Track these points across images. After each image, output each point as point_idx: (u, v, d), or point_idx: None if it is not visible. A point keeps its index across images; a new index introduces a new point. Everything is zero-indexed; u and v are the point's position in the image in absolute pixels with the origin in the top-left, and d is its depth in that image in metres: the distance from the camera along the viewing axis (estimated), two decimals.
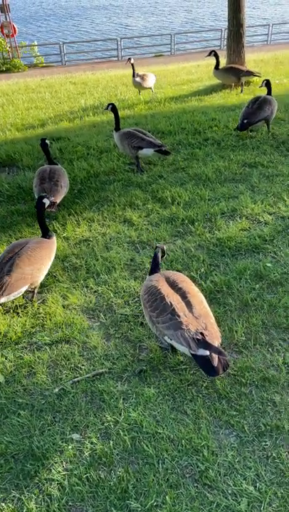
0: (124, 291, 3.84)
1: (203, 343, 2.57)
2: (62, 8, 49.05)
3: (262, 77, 9.47)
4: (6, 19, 21.42)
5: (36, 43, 24.20)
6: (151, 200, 5.34)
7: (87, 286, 3.95)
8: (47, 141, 5.43)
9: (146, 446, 2.56)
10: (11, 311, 3.69)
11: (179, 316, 2.72)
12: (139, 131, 5.96)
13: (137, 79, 9.61)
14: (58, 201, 4.94)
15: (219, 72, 9.54)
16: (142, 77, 9.68)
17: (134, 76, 9.67)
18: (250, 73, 9.48)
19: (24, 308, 3.72)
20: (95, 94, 11.11)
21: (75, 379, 3.01)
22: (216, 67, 9.51)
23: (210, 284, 3.80)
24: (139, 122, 7.99)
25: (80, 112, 9.43)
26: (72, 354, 3.21)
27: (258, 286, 3.76)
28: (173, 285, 3.01)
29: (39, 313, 3.64)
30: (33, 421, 2.74)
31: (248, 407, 2.76)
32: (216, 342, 2.63)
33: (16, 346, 3.32)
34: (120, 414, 2.75)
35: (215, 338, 2.66)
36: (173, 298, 2.89)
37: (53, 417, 2.77)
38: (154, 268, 3.34)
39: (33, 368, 3.13)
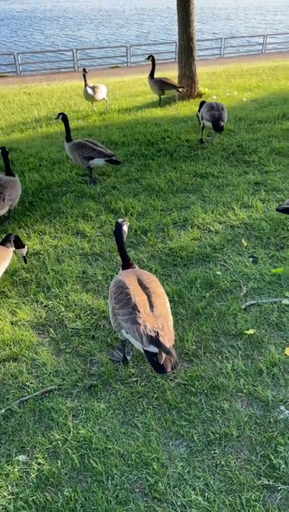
0: (75, 305, 3.79)
1: (156, 341, 2.60)
2: (14, 18, 48.57)
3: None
4: None
5: None
6: (105, 211, 5.33)
7: (37, 301, 3.86)
8: (7, 149, 5.33)
9: (96, 463, 2.51)
10: None
11: (138, 312, 2.75)
12: (90, 141, 5.97)
13: (89, 91, 9.52)
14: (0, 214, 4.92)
15: (151, 81, 9.94)
16: (94, 88, 9.59)
17: (86, 86, 9.53)
18: (173, 87, 9.81)
19: None
20: (49, 105, 11.03)
21: (23, 398, 2.92)
22: (151, 75, 9.87)
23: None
24: (93, 133, 8.00)
25: (33, 123, 9.32)
26: (19, 372, 3.12)
27: (208, 294, 3.82)
28: (141, 283, 3.03)
29: None
30: None
31: (197, 416, 2.77)
32: (168, 343, 2.64)
33: None
34: (69, 432, 2.69)
35: (168, 339, 2.67)
36: (138, 294, 2.90)
37: None
38: (127, 262, 3.30)
39: None
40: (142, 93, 12.16)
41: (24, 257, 4.21)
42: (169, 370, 2.55)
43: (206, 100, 7.71)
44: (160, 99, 10.32)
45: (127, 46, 24.44)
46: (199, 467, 2.50)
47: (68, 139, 5.99)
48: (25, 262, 4.26)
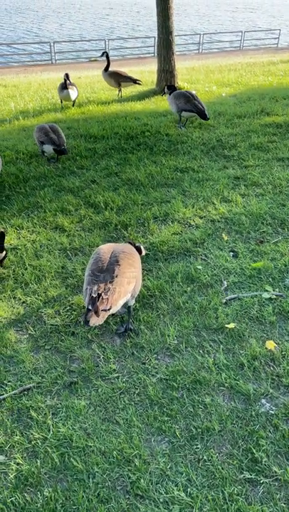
0: (54, 301, 3.71)
1: (94, 301, 2.91)
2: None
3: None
4: None
5: None
6: (84, 205, 5.25)
7: (14, 297, 3.76)
8: None
9: (76, 461, 2.46)
10: None
11: (95, 276, 3.08)
12: (53, 128, 6.28)
13: (72, 95, 8.94)
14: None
15: (105, 74, 9.85)
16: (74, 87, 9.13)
17: (68, 89, 8.83)
18: (130, 79, 9.82)
19: None
20: (26, 98, 10.79)
21: (0, 397, 2.83)
22: (105, 69, 9.81)
23: (143, 289, 3.78)
24: (72, 126, 7.87)
25: (9, 115, 9.09)
26: None
27: (189, 289, 3.80)
28: (114, 254, 3.27)
29: None
30: None
31: (179, 411, 2.75)
32: (104, 306, 2.90)
33: None
34: (49, 431, 2.63)
35: (108, 302, 2.93)
36: (103, 261, 3.19)
37: None
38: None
39: None
40: (131, 85, 12.02)
41: (1, 261, 4.05)
42: (91, 325, 2.85)
43: (175, 86, 7.85)
44: (120, 91, 10.38)
45: (105, 40, 24.18)
46: (182, 463, 2.48)
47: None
48: (1, 266, 4.10)
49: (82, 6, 51.00)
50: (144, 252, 3.95)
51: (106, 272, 3.09)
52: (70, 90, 8.88)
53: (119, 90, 10.41)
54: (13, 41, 29.57)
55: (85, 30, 34.82)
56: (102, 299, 2.91)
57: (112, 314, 3.37)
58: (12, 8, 47.93)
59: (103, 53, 10.04)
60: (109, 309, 2.92)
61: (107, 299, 2.93)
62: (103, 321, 2.90)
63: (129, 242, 3.75)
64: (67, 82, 8.77)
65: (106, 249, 3.37)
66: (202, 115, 7.25)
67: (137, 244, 3.81)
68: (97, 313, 2.86)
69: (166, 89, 7.97)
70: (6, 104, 10.06)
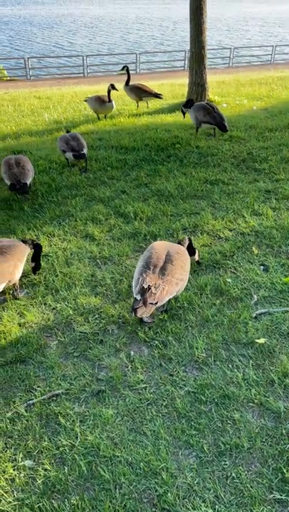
0: (83, 308, 3.74)
1: (143, 292, 3.13)
2: (25, 23, 49.17)
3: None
4: None
5: (0, 57, 24.00)
6: (114, 215, 5.30)
7: (45, 303, 3.82)
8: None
9: (103, 470, 2.45)
10: None
11: (148, 269, 3.32)
12: (73, 136, 6.55)
13: (114, 105, 9.20)
14: (28, 182, 5.53)
15: (126, 88, 10.03)
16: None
17: (110, 101, 9.11)
18: (151, 94, 9.92)
19: None
20: (59, 109, 11.05)
21: (30, 401, 2.87)
22: (126, 83, 10.00)
23: (172, 300, 3.78)
24: (103, 137, 8.00)
25: (43, 126, 9.34)
26: (27, 375, 3.07)
27: (218, 301, 3.77)
28: (168, 253, 3.51)
29: None
30: None
31: (207, 426, 2.71)
32: (151, 300, 3.13)
33: None
34: (76, 438, 2.63)
35: (155, 297, 3.15)
36: (158, 258, 3.44)
37: (5, 444, 2.62)
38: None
39: None
40: (152, 99, 12.17)
41: (33, 268, 4.17)
42: (138, 315, 3.09)
43: (193, 100, 7.94)
44: (138, 105, 10.63)
45: (136, 53, 24.59)
46: (209, 478, 2.44)
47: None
48: (34, 274, 4.20)
49: (112, 21, 52.23)
50: (197, 258, 4.13)
51: (160, 268, 3.33)
52: (113, 102, 9.19)
53: (138, 104, 10.69)
54: (45, 55, 30.50)
55: (114, 44, 35.58)
56: (152, 292, 3.12)
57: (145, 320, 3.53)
58: (44, 23, 49.54)
59: (123, 67, 10.29)
60: (155, 304, 3.12)
61: (155, 293, 3.14)
62: (149, 313, 3.12)
63: (188, 239, 3.96)
64: (110, 93, 9.07)
65: (161, 246, 3.60)
66: (221, 127, 7.32)
67: (194, 247, 4.04)
68: (145, 304, 3.04)
69: (183, 108, 8.14)
70: (40, 115, 10.33)
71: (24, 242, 4.01)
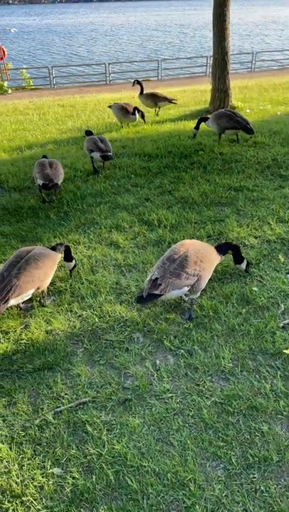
0: (109, 316, 3.77)
1: (152, 283, 3.36)
2: (48, 32, 50.23)
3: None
4: None
5: (25, 67, 24.57)
6: (138, 222, 5.33)
7: (71, 311, 3.87)
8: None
9: (131, 480, 2.45)
10: None
11: (164, 264, 3.51)
12: (100, 138, 6.78)
13: (133, 116, 9.24)
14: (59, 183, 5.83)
15: (141, 97, 10.26)
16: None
17: (133, 113, 9.17)
18: (166, 99, 9.99)
19: (6, 334, 3.61)
20: (82, 117, 11.23)
21: (57, 409, 2.90)
22: (141, 92, 10.25)
23: (197, 308, 3.76)
24: (126, 145, 8.07)
25: (68, 134, 9.49)
26: (54, 382, 3.11)
27: (244, 310, 3.74)
28: (189, 249, 3.62)
29: (21, 339, 3.53)
30: (12, 455, 2.61)
31: (235, 438, 2.68)
32: (154, 290, 3.32)
33: None
34: (104, 447, 2.65)
35: (159, 288, 3.32)
36: (175, 253, 3.56)
37: (34, 451, 2.65)
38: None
39: (13, 397, 3.01)
40: (174, 106, 12.22)
41: (71, 271, 4.30)
42: (139, 303, 3.55)
43: (207, 117, 8.00)
44: (156, 111, 10.84)
45: (158, 60, 24.75)
46: (238, 491, 2.41)
47: (87, 132, 7.45)
48: (71, 276, 4.30)
49: (130, 29, 52.80)
50: (244, 267, 4.15)
51: (173, 263, 3.46)
52: (136, 115, 9.30)
53: (158, 112, 10.88)
54: (68, 63, 31.04)
55: (134, 52, 35.91)
56: (156, 284, 3.31)
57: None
58: (64, 32, 50.52)
59: (134, 82, 10.59)
60: (159, 295, 3.31)
61: (160, 285, 3.31)
62: (149, 302, 3.43)
63: (235, 246, 4.04)
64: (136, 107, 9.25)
65: (186, 243, 3.73)
66: (247, 130, 7.30)
67: (242, 256, 4.08)
68: (151, 295, 3.28)
69: (195, 131, 8.07)
70: (64, 124, 10.51)
71: (54, 249, 4.10)
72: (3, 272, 3.56)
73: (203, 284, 3.63)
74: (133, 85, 10.76)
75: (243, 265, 4.12)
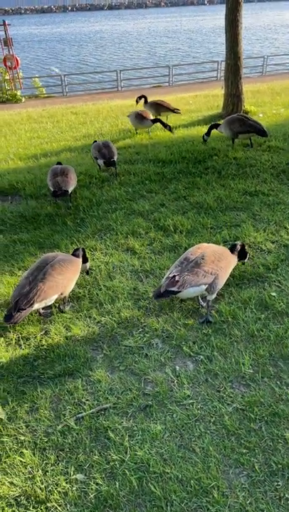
0: (127, 322, 3.79)
1: (170, 280, 3.44)
2: (62, 40, 50.97)
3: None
4: (9, 52, 22.15)
5: (38, 76, 24.94)
6: (154, 228, 5.35)
7: (90, 317, 3.89)
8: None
9: (154, 487, 2.45)
10: (14, 342, 3.63)
11: (181, 263, 3.60)
12: (104, 143, 6.89)
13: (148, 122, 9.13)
14: (69, 190, 5.86)
15: (146, 105, 10.25)
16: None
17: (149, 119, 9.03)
18: (169, 109, 10.06)
19: (27, 340, 3.66)
20: (96, 124, 11.32)
21: (79, 415, 2.92)
22: (145, 102, 10.28)
23: (215, 314, 3.76)
24: (140, 151, 8.12)
25: (82, 141, 9.58)
26: (75, 388, 3.13)
27: (263, 316, 3.72)
28: (206, 250, 3.72)
29: (42, 345, 3.57)
30: (35, 460, 2.64)
31: (258, 444, 2.67)
32: (172, 287, 3.39)
33: (18, 380, 3.24)
34: (126, 453, 2.66)
35: (176, 285, 3.40)
36: (192, 254, 3.67)
37: (57, 456, 2.68)
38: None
39: (35, 403, 3.04)
40: (187, 111, 12.25)
41: (87, 271, 4.43)
42: (155, 299, 3.67)
43: (218, 123, 8.02)
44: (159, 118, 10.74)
45: (169, 66, 24.88)
46: (262, 499, 2.39)
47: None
48: (88, 274, 4.46)
49: (140, 36, 53.26)
50: (246, 260, 4.24)
51: (189, 263, 3.55)
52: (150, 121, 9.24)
53: (166, 119, 10.80)
54: (79, 71, 31.40)
55: (143, 59, 36.20)
56: (174, 281, 3.38)
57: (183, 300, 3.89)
58: (74, 40, 51.18)
59: (137, 99, 10.55)
60: (176, 292, 3.37)
61: (178, 281, 3.39)
62: (166, 299, 3.58)
63: (241, 245, 4.12)
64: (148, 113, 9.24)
65: (203, 246, 3.83)
66: (261, 133, 7.32)
67: (246, 251, 4.16)
68: (167, 291, 3.37)
69: (206, 137, 8.12)
70: (78, 131, 10.62)
71: (75, 254, 4.18)
72: (29, 276, 3.64)
73: (221, 283, 3.68)
74: (137, 103, 10.72)
75: (246, 259, 4.26)
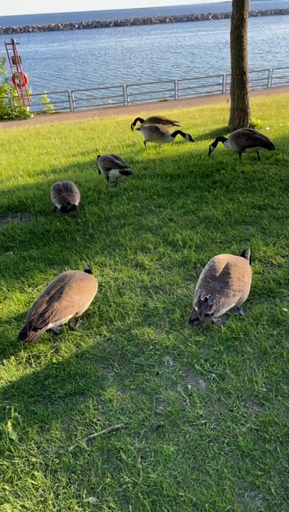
0: (138, 339, 3.76)
1: (200, 303, 3.47)
2: (65, 57, 52.00)
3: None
4: (18, 70, 22.61)
5: (46, 92, 25.38)
6: (163, 243, 5.35)
7: (100, 334, 3.88)
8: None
9: (168, 511, 2.40)
10: (24, 361, 3.62)
11: (208, 282, 3.60)
12: (114, 156, 7.06)
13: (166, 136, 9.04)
14: (76, 203, 5.97)
15: (146, 123, 10.36)
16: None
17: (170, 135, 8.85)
18: (168, 122, 10.19)
19: (37, 358, 3.64)
20: (103, 140, 11.45)
21: (91, 435, 2.89)
22: (142, 121, 10.42)
23: (226, 330, 3.72)
24: (148, 167, 8.17)
25: (90, 157, 9.67)
26: (86, 408, 3.10)
27: (275, 332, 3.67)
28: (228, 264, 3.75)
29: (52, 364, 3.55)
30: (47, 483, 2.60)
31: (273, 466, 2.61)
32: (208, 310, 3.41)
33: (29, 399, 3.22)
34: (139, 475, 2.61)
35: (210, 309, 3.42)
36: (216, 271, 3.68)
37: (69, 479, 2.64)
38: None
39: (46, 423, 3.02)
40: (193, 126, 12.37)
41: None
42: (194, 324, 3.45)
43: (225, 137, 8.07)
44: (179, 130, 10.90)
45: (175, 80, 25.20)
46: None
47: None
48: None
49: (141, 52, 54.20)
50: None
51: (217, 281, 3.57)
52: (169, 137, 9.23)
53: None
54: (85, 87, 31.90)
55: (147, 75, 36.74)
56: (208, 304, 3.40)
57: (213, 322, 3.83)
58: (78, 57, 52.19)
59: (132, 126, 10.61)
60: (212, 314, 3.39)
61: (212, 306, 3.41)
62: (205, 324, 3.43)
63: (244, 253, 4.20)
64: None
65: (222, 259, 3.85)
66: (268, 146, 7.33)
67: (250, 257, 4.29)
68: (201, 315, 3.37)
69: (212, 147, 8.20)
70: (86, 147, 10.73)
71: (88, 271, 4.29)
72: (45, 294, 3.66)
73: (246, 297, 3.80)
74: (132, 130, 10.80)
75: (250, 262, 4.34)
